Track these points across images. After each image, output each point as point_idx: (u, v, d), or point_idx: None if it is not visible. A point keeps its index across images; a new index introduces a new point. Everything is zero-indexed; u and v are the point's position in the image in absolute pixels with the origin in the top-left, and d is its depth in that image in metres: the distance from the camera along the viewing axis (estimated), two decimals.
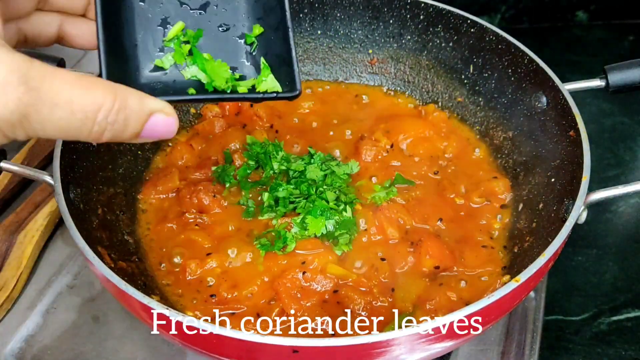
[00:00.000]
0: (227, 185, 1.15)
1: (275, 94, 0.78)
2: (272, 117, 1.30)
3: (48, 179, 0.96)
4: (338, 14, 1.35)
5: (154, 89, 0.74)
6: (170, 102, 0.69)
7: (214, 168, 1.18)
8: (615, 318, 1.22)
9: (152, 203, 1.15)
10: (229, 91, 0.77)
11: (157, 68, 0.76)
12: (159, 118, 0.65)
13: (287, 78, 0.79)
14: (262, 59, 0.80)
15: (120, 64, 0.73)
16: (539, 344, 1.09)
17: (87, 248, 0.87)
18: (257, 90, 0.78)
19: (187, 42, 0.78)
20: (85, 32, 0.79)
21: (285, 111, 1.33)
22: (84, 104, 0.59)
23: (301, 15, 1.35)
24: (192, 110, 1.31)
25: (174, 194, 1.16)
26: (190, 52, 0.78)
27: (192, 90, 0.75)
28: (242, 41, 0.81)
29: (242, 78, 0.79)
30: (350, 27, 1.36)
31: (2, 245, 1.18)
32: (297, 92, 0.78)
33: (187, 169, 1.21)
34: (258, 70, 0.80)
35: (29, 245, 1.18)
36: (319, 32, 1.37)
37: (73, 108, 0.58)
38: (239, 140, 1.22)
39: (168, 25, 0.78)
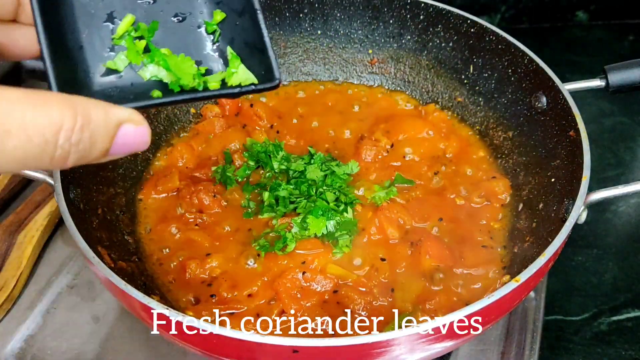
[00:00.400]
0: (228, 187, 1.15)
1: (252, 87, 0.69)
2: (272, 117, 1.30)
3: (48, 179, 0.96)
4: (338, 14, 1.35)
5: (110, 96, 0.65)
6: (136, 108, 0.59)
7: (214, 168, 1.18)
8: (615, 318, 1.22)
9: (152, 203, 1.15)
10: (200, 89, 0.68)
11: (110, 71, 0.67)
12: (129, 129, 0.55)
13: (263, 67, 0.70)
14: (229, 49, 0.71)
15: (69, 71, 0.64)
16: (539, 344, 1.09)
17: (87, 248, 0.87)
18: (228, 84, 0.69)
19: (140, 38, 0.69)
20: (19, 39, 0.67)
21: (285, 111, 1.33)
22: (40, 126, 0.49)
23: (301, 15, 1.35)
24: (192, 110, 1.31)
25: (174, 194, 1.16)
26: (147, 49, 0.69)
27: (157, 93, 0.66)
28: (203, 30, 0.72)
29: (208, 72, 0.70)
30: (350, 27, 1.36)
31: (2, 245, 1.18)
32: (277, 81, 0.69)
33: (187, 169, 1.21)
34: (226, 61, 0.71)
35: (29, 245, 1.18)
36: (319, 32, 1.37)
37: (29, 133, 0.48)
38: (239, 140, 1.22)
39: (116, 20, 0.68)
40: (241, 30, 0.71)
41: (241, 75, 0.70)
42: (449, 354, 1.05)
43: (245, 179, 1.16)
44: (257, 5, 0.70)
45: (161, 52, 0.69)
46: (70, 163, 0.53)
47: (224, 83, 0.70)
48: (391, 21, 1.33)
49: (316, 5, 1.34)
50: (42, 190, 1.27)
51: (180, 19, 0.71)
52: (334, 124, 1.30)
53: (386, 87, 1.39)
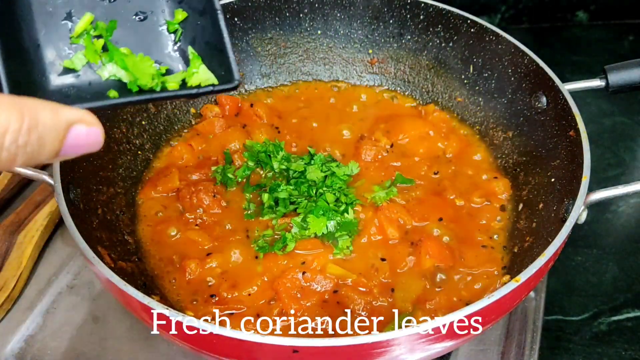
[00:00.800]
0: (228, 188, 1.15)
1: (211, 87, 0.69)
2: (272, 117, 1.30)
3: (48, 179, 0.96)
4: (338, 14, 1.35)
5: (67, 95, 0.65)
6: (90, 109, 0.57)
7: (214, 168, 1.18)
8: (615, 318, 1.22)
9: (152, 203, 1.15)
10: (158, 89, 0.67)
11: (68, 70, 0.66)
12: (80, 130, 0.54)
13: (222, 67, 0.69)
14: (190, 49, 0.71)
15: (23, 71, 0.63)
16: (539, 344, 1.09)
17: (87, 248, 0.87)
18: (188, 85, 0.69)
19: (99, 37, 0.68)
20: None
21: (285, 111, 1.33)
22: None
23: (301, 15, 1.35)
24: (192, 110, 1.31)
25: (174, 194, 1.16)
26: (105, 48, 0.68)
27: (113, 93, 0.65)
28: (164, 30, 0.71)
29: (169, 72, 0.70)
30: (350, 27, 1.36)
31: (2, 245, 1.18)
32: (236, 82, 0.68)
33: (187, 169, 1.21)
34: (187, 61, 0.71)
35: (29, 245, 1.18)
36: (319, 32, 1.37)
37: None
38: (239, 140, 1.22)
39: (74, 19, 0.68)
40: (202, 30, 0.71)
41: (202, 75, 0.69)
42: (449, 354, 1.05)
43: (245, 179, 1.16)
44: (217, 5, 0.70)
45: (120, 51, 0.68)
46: (18, 164, 0.52)
47: (184, 83, 0.69)
48: (391, 21, 1.33)
49: (316, 5, 1.34)
50: (42, 190, 1.27)
51: (142, 17, 0.71)
52: (334, 124, 1.30)
53: (386, 87, 1.39)
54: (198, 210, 1.12)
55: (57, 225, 1.25)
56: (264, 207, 1.11)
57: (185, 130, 1.29)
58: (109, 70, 0.67)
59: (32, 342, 1.08)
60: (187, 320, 0.78)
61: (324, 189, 1.12)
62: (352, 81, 1.41)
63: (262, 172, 1.18)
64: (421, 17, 1.30)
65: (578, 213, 0.93)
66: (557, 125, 1.10)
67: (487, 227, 1.12)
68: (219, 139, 1.25)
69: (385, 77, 1.39)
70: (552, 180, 1.08)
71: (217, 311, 0.98)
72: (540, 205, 1.09)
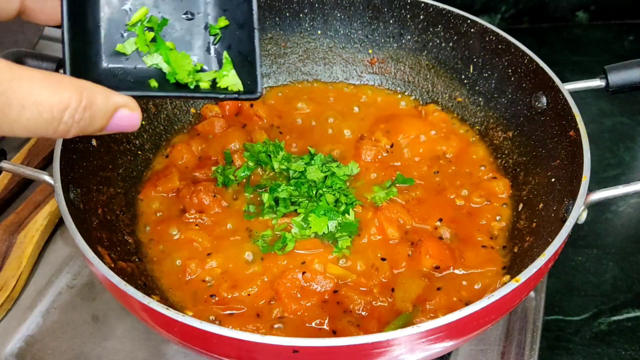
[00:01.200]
0: (229, 188, 1.15)
1: (236, 95, 0.77)
2: (272, 117, 1.30)
3: (48, 179, 0.96)
4: (338, 14, 1.35)
5: (114, 75, 0.73)
6: (134, 97, 0.68)
7: (214, 168, 1.18)
8: (615, 318, 1.22)
9: (152, 203, 1.15)
10: (192, 87, 0.76)
11: (118, 53, 0.74)
12: (124, 113, 0.66)
13: (249, 78, 0.77)
14: (225, 53, 0.79)
15: (83, 47, 0.71)
16: (539, 344, 1.09)
17: (87, 248, 0.87)
18: (218, 85, 0.77)
19: (151, 29, 0.76)
20: (46, 7, 0.77)
21: (285, 111, 1.33)
22: (51, 105, 0.59)
23: (301, 15, 1.35)
24: (192, 111, 1.31)
25: (174, 194, 1.16)
26: (153, 40, 0.76)
27: (153, 82, 0.74)
28: (206, 32, 0.79)
29: (202, 70, 0.78)
30: (350, 27, 1.36)
31: (2, 245, 1.18)
32: (258, 94, 0.77)
33: (187, 169, 1.21)
34: (220, 64, 0.79)
35: (29, 245, 1.18)
36: (319, 32, 1.37)
37: (40, 109, 0.58)
38: (239, 140, 1.22)
39: (131, 9, 0.76)
40: (238, 40, 0.79)
41: (230, 79, 0.77)
42: (449, 354, 1.05)
43: (245, 180, 1.16)
44: (256, 25, 0.78)
45: (166, 44, 0.76)
46: (71, 135, 0.62)
47: (214, 83, 0.77)
48: (391, 21, 1.33)
49: (316, 5, 1.34)
50: (42, 190, 1.27)
51: (189, 17, 0.79)
52: (334, 124, 1.30)
53: (386, 87, 1.39)
54: (198, 210, 1.12)
55: (57, 225, 1.25)
56: (264, 207, 1.11)
57: (185, 130, 1.29)
58: (153, 60, 0.75)
59: (32, 342, 1.08)
60: (187, 320, 0.78)
61: (324, 189, 1.12)
62: (352, 81, 1.41)
63: (262, 173, 1.18)
64: (421, 17, 1.30)
65: (578, 213, 0.93)
66: (557, 125, 1.10)
67: (487, 227, 1.12)
68: (219, 139, 1.24)
69: (385, 77, 1.39)
70: (552, 180, 1.08)
71: (217, 311, 0.98)
72: (540, 205, 1.09)
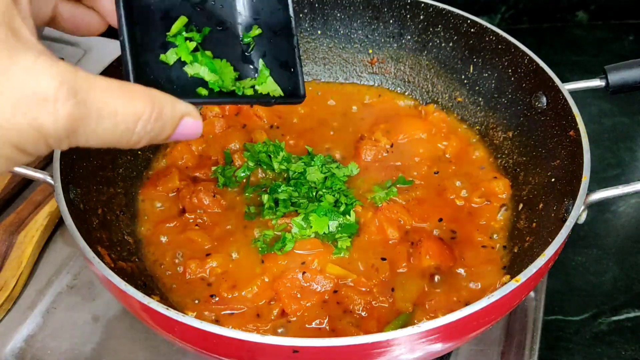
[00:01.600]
0: (229, 188, 1.15)
1: (281, 99, 0.78)
2: (272, 117, 1.30)
3: (48, 179, 0.96)
4: (338, 14, 1.35)
5: (160, 86, 0.72)
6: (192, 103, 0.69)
7: (214, 168, 1.18)
8: (615, 318, 1.22)
9: (152, 203, 1.15)
10: (240, 93, 0.77)
11: (161, 63, 0.74)
12: (188, 121, 0.65)
13: (289, 83, 0.79)
14: (261, 61, 0.80)
15: (135, 59, 0.72)
16: (539, 344, 1.09)
17: (87, 248, 0.87)
18: (258, 92, 0.78)
19: (191, 39, 0.77)
20: (78, 16, 0.76)
21: (285, 111, 1.33)
22: (126, 115, 0.58)
23: (301, 15, 1.35)
24: None
25: (174, 194, 1.16)
26: (194, 49, 0.77)
27: (203, 91, 0.74)
28: (240, 40, 0.80)
29: (240, 77, 0.79)
30: (350, 27, 1.36)
31: (2, 245, 1.18)
32: (302, 97, 0.79)
33: (187, 169, 1.21)
34: (256, 71, 0.80)
35: (29, 245, 1.18)
36: (319, 32, 1.37)
37: (117, 120, 0.58)
38: (239, 140, 1.22)
39: (169, 20, 0.76)
40: (274, 47, 0.81)
41: (269, 86, 0.78)
42: (449, 354, 1.05)
43: (245, 180, 1.16)
44: (294, 31, 0.80)
45: (207, 54, 0.76)
46: (140, 145, 0.62)
47: (254, 90, 0.78)
48: (391, 21, 1.33)
49: (316, 5, 1.34)
50: (42, 190, 1.27)
51: (223, 27, 0.79)
52: (334, 124, 1.30)
53: (386, 87, 1.39)
54: (198, 210, 1.12)
55: (57, 225, 1.25)
56: (264, 207, 1.11)
57: None
58: (194, 69, 0.75)
59: (32, 342, 1.08)
60: (187, 320, 0.78)
61: (324, 190, 1.12)
62: (352, 81, 1.41)
63: (262, 174, 1.18)
64: (421, 17, 1.30)
65: (578, 213, 0.93)
66: (557, 125, 1.10)
67: (487, 227, 1.12)
68: (219, 139, 1.25)
69: (385, 77, 1.39)
70: (552, 180, 1.08)
71: (217, 311, 0.98)
72: (540, 205, 1.09)
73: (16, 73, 0.52)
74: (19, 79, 0.52)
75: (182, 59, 0.75)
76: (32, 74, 0.53)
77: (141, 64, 0.72)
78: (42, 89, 0.53)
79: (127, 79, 0.69)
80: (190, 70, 0.75)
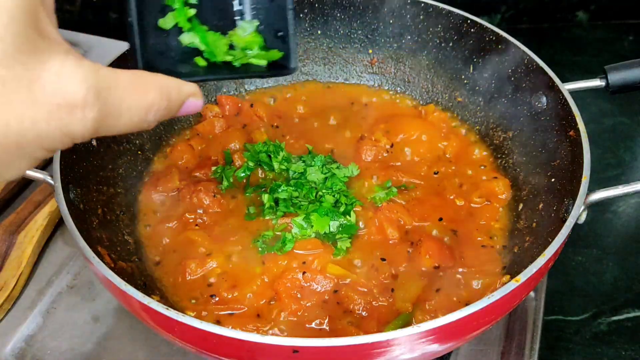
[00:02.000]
0: (229, 188, 1.15)
1: (275, 71, 0.79)
2: (272, 117, 1.30)
3: (48, 179, 0.96)
4: (338, 14, 1.35)
5: (160, 53, 0.74)
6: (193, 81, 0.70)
7: (214, 168, 1.18)
8: (615, 318, 1.22)
9: (152, 203, 1.15)
10: (237, 65, 0.77)
11: (159, 29, 0.75)
12: (191, 101, 0.69)
13: (282, 52, 0.79)
14: (255, 28, 0.79)
15: (144, 38, 0.73)
16: (539, 344, 1.09)
17: (87, 248, 0.87)
18: (249, 60, 0.78)
19: (191, 6, 0.76)
20: None
21: (286, 111, 1.33)
22: (140, 109, 0.62)
23: (301, 15, 1.35)
24: None
25: (174, 194, 1.16)
26: (189, 20, 0.77)
27: (201, 61, 0.75)
28: (236, 4, 0.79)
29: (232, 46, 0.79)
30: (350, 27, 1.36)
31: (2, 245, 1.18)
32: (293, 67, 0.79)
33: (187, 169, 1.21)
34: (249, 36, 0.79)
35: (29, 245, 1.18)
36: (319, 32, 1.37)
37: (133, 113, 0.61)
38: (239, 140, 1.22)
39: None
40: (269, 14, 0.79)
41: (263, 53, 0.78)
42: (449, 354, 1.05)
43: (245, 180, 1.16)
44: (290, 4, 0.79)
45: (202, 27, 0.76)
46: (150, 128, 0.65)
47: (251, 65, 0.78)
48: (391, 21, 1.33)
49: (316, 5, 1.34)
50: (42, 190, 1.27)
51: None
52: (334, 124, 1.30)
53: (386, 87, 1.39)
54: (198, 210, 1.12)
55: (57, 225, 1.25)
56: (265, 207, 1.11)
57: (185, 130, 1.29)
58: (190, 38, 0.75)
59: (32, 342, 1.08)
60: (187, 320, 0.78)
61: (324, 190, 1.12)
62: (352, 81, 1.41)
63: (262, 173, 1.18)
64: (421, 17, 1.30)
65: (578, 213, 0.93)
66: (557, 125, 1.10)
67: (487, 227, 1.12)
68: (219, 139, 1.25)
69: (385, 77, 1.39)
70: (552, 180, 1.08)
71: (217, 311, 0.98)
72: (540, 205, 1.09)
73: (48, 80, 0.54)
74: (51, 87, 0.54)
75: (179, 25, 0.75)
76: (62, 79, 0.54)
77: (142, 30, 0.73)
78: (71, 94, 0.55)
79: (135, 62, 0.72)
80: (185, 39, 0.75)
